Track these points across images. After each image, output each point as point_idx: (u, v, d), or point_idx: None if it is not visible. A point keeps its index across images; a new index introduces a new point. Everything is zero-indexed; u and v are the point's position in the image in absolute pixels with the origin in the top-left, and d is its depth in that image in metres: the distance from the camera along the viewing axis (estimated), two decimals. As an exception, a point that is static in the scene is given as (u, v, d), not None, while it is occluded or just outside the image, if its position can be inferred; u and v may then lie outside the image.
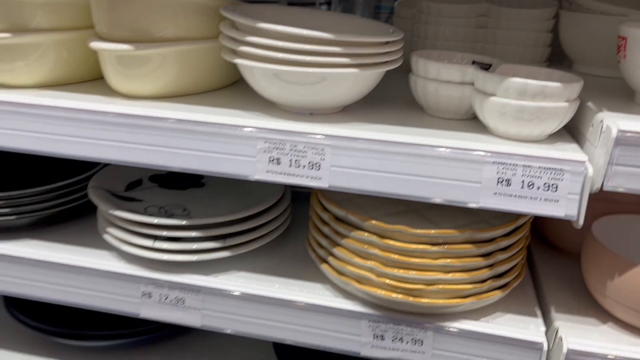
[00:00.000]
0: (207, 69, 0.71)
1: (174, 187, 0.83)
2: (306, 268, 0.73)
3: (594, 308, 0.68)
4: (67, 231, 0.80)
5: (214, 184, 0.85)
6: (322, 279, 0.71)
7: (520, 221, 0.64)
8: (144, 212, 0.73)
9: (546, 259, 0.80)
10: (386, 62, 0.64)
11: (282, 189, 0.80)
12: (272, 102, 0.69)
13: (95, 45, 0.66)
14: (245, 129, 0.60)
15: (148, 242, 0.69)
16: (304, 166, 0.60)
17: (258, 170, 0.61)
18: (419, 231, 0.60)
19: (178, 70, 0.69)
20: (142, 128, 0.62)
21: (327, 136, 0.59)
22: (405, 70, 0.73)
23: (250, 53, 0.61)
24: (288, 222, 0.80)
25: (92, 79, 0.76)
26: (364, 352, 0.67)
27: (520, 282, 0.72)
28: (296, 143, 0.59)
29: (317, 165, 0.59)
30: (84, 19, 0.72)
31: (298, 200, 0.91)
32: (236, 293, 0.68)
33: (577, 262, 0.73)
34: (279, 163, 0.60)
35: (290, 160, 0.60)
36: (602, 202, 0.73)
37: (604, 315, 0.67)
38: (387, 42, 0.64)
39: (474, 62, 0.69)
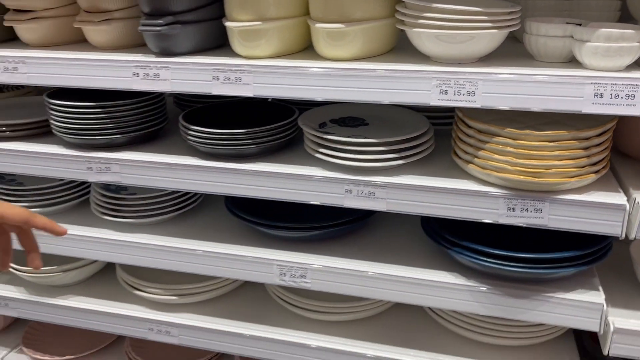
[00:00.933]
0: (381, 38, 1.06)
1: (349, 126, 1.18)
2: (450, 172, 1.07)
3: (661, 187, 0.99)
4: (281, 156, 1.17)
5: (375, 123, 1.20)
6: (465, 176, 1.04)
7: (607, 126, 0.95)
8: (339, 139, 1.08)
9: (624, 165, 1.10)
10: (511, 25, 0.96)
11: (427, 125, 1.13)
12: (427, 57, 1.02)
13: (318, 25, 1.01)
14: (424, 73, 0.94)
15: (350, 155, 1.05)
16: (463, 94, 0.93)
17: (432, 99, 0.95)
18: (541, 132, 0.92)
19: (364, 40, 1.03)
20: (355, 77, 0.97)
21: (479, 73, 0.92)
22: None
23: (420, 23, 0.95)
24: (433, 145, 1.13)
25: (301, 50, 1.12)
26: (501, 220, 1.00)
27: (606, 175, 1.03)
28: (457, 79, 0.93)
29: (473, 92, 0.92)
30: (298, 10, 1.07)
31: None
32: (409, 185, 1.03)
33: (647, 162, 1.03)
34: (446, 93, 0.94)
35: (454, 90, 0.93)
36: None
37: (667, 190, 0.98)
38: (511, 12, 0.96)
39: (567, 23, 1.00)
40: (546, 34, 0.96)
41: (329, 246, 1.22)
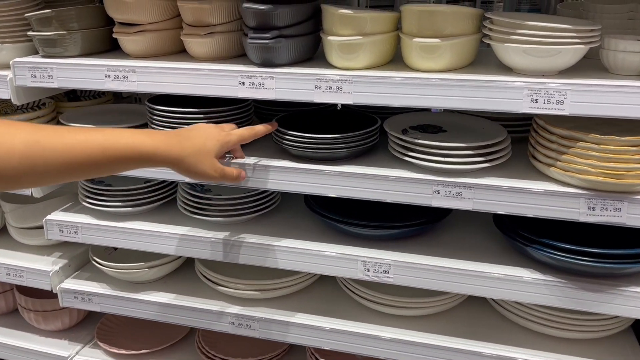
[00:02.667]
0: (466, 52, 1.16)
1: (429, 132, 1.28)
2: (528, 175, 1.16)
3: None
4: (367, 159, 1.26)
5: (452, 130, 1.30)
6: (542, 178, 1.14)
7: (681, 134, 1.06)
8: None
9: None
10: (593, 41, 1.07)
11: (504, 132, 1.23)
12: (507, 69, 1.13)
13: (416, 40, 1.11)
14: (517, 83, 1.04)
15: (439, 158, 1.14)
16: (552, 102, 1.03)
17: (523, 107, 1.05)
18: (624, 138, 1.02)
19: (452, 54, 1.13)
20: (455, 87, 1.07)
21: (567, 84, 1.02)
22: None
23: (511, 39, 1.05)
24: (511, 152, 1.23)
25: (389, 62, 1.22)
26: (581, 219, 1.09)
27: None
28: (547, 89, 1.03)
29: (561, 101, 1.02)
30: (390, 26, 1.18)
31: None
32: (496, 186, 1.12)
33: None
34: (537, 102, 1.04)
35: (544, 99, 1.03)
36: None
37: None
38: (593, 29, 1.07)
39: (638, 40, 1.11)
40: (624, 50, 1.07)
41: (407, 244, 1.31)
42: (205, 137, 1.08)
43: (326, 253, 1.29)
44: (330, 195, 1.23)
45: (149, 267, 1.49)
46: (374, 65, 1.19)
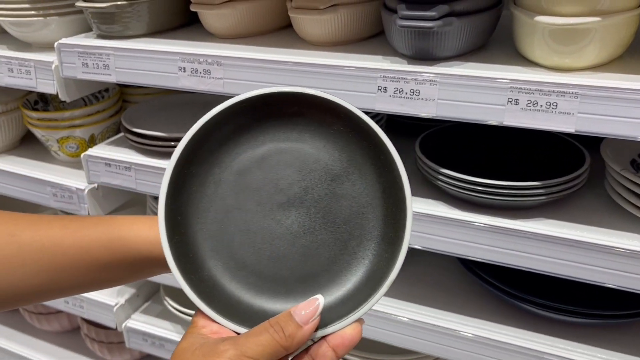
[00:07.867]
0: None
1: (674, 168, 0.80)
2: None
3: None
4: (571, 208, 0.81)
5: None
6: None
7: None
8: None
9: None
10: None
11: None
12: None
13: None
14: None
15: None
16: None
17: None
18: None
19: None
20: None
21: None
22: None
23: None
24: None
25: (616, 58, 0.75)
26: None
27: None
28: None
29: None
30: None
31: None
32: None
33: None
34: None
35: None
36: None
37: None
38: None
39: None
40: None
41: (604, 336, 0.87)
42: None
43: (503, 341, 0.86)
44: (511, 265, 0.79)
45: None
46: (603, 63, 0.72)
